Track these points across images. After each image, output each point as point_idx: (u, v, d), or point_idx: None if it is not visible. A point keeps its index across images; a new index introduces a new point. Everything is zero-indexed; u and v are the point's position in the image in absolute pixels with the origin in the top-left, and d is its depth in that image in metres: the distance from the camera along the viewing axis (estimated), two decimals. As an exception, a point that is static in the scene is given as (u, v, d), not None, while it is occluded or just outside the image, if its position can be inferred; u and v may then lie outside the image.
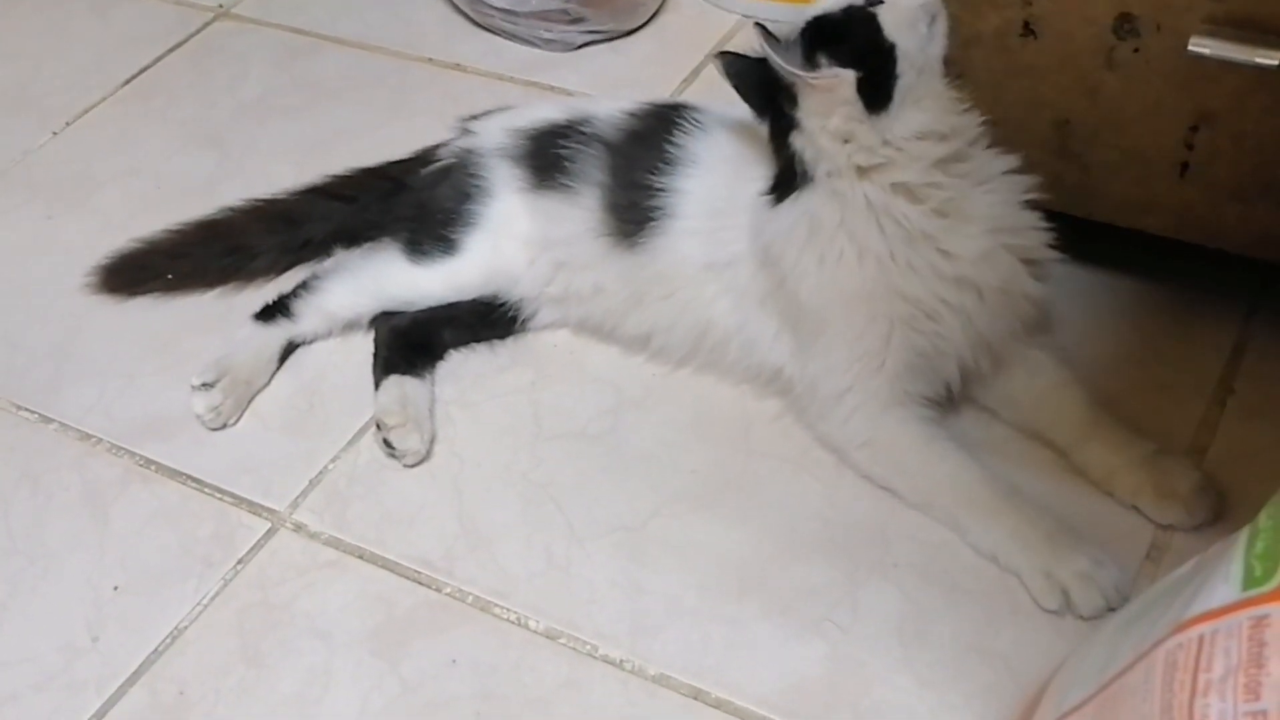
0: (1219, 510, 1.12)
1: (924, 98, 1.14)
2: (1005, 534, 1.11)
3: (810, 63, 1.13)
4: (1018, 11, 1.19)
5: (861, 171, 1.14)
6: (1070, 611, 1.07)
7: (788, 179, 1.18)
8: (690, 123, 1.28)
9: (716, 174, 1.25)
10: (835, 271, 1.16)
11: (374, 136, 1.65)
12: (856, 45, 1.12)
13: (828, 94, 1.12)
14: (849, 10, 1.14)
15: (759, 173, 1.22)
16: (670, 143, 1.27)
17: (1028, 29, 1.20)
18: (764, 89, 1.17)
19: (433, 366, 1.34)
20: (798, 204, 1.17)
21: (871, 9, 1.13)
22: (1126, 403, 1.20)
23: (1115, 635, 0.84)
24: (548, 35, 1.77)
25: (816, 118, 1.14)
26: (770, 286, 1.21)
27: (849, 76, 1.12)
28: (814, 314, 1.18)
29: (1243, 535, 0.71)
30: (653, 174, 1.26)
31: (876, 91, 1.13)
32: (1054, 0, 1.17)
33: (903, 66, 1.12)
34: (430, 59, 1.82)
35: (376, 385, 1.31)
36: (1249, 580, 0.67)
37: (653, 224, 1.26)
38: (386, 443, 1.26)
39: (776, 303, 1.21)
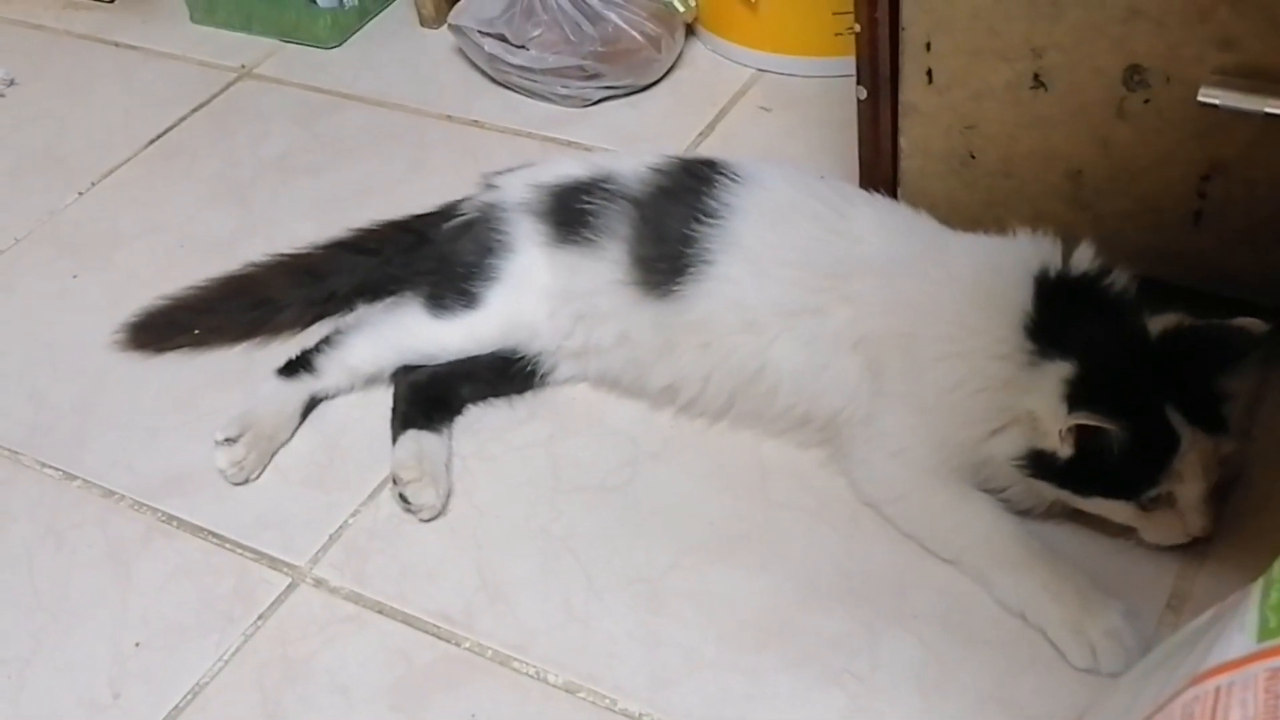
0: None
1: None
2: (1037, 588, 1.11)
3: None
4: (1028, 64, 1.20)
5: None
6: (1095, 668, 1.06)
7: (1049, 334, 1.13)
8: (728, 176, 1.29)
9: (791, 226, 1.26)
10: (952, 376, 1.16)
11: (394, 193, 1.67)
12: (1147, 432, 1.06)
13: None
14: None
15: (860, 232, 1.25)
16: (708, 195, 1.28)
17: (1038, 81, 1.21)
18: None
19: (450, 421, 1.35)
20: (1011, 339, 1.14)
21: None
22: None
23: (1135, 686, 0.84)
24: (564, 91, 1.79)
25: (1037, 397, 1.11)
26: (892, 330, 1.20)
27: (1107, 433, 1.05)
28: (921, 383, 1.18)
29: (1257, 586, 0.71)
30: (691, 224, 1.27)
31: (1097, 476, 1.09)
32: (1064, 53, 1.18)
33: (1157, 490, 1.08)
34: (449, 116, 1.84)
35: (394, 440, 1.31)
36: (1264, 631, 0.67)
37: (691, 272, 1.26)
38: (402, 497, 1.27)
39: (888, 348, 1.20)
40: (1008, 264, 1.18)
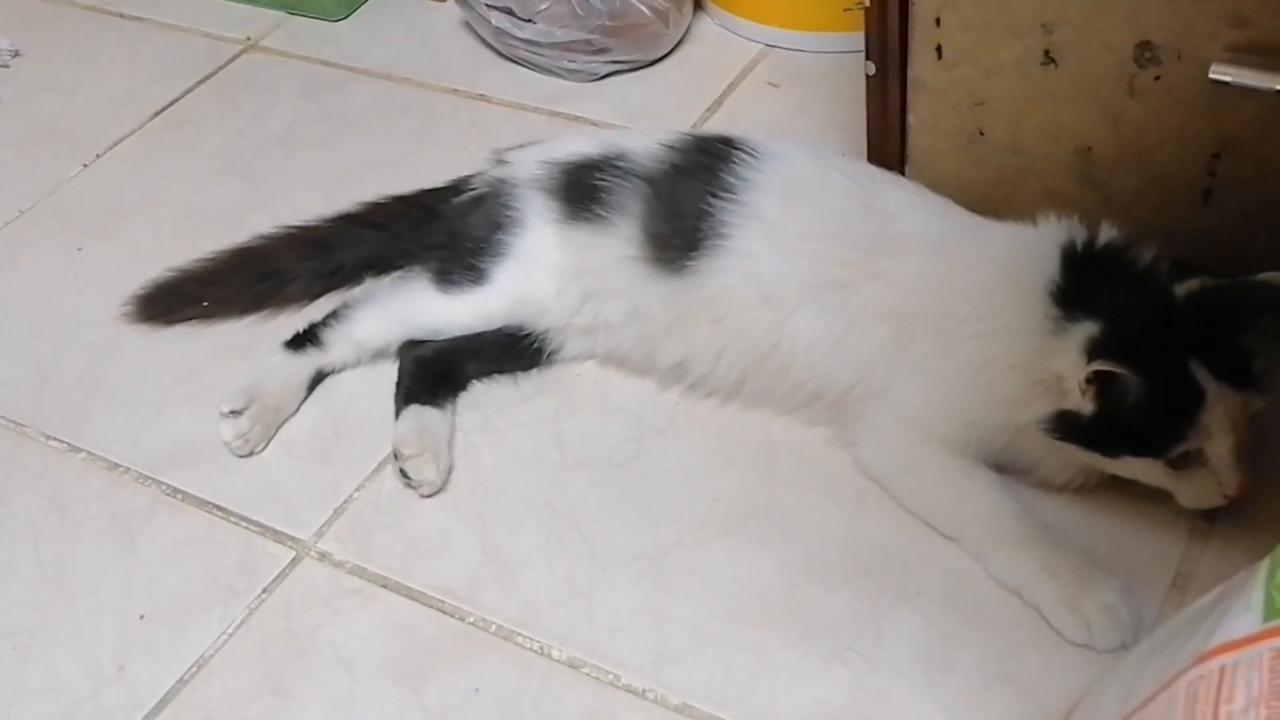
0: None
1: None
2: (1033, 565, 1.11)
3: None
4: (1038, 40, 1.19)
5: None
6: (1090, 643, 1.07)
7: (1076, 299, 1.13)
8: (745, 152, 1.29)
9: (821, 200, 1.26)
10: (983, 354, 1.16)
11: (400, 167, 1.66)
12: (1169, 384, 1.06)
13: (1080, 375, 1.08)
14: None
15: (894, 209, 1.24)
16: (725, 171, 1.27)
17: (1048, 57, 1.20)
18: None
19: (454, 397, 1.34)
20: (1040, 318, 1.14)
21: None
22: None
23: (1139, 664, 0.84)
24: (572, 66, 1.79)
25: (1062, 358, 1.11)
26: (925, 308, 1.20)
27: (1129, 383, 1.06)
28: (952, 360, 1.17)
29: (1263, 565, 0.71)
30: (707, 200, 1.26)
31: (1122, 433, 1.09)
32: (1074, 28, 1.17)
33: (1185, 446, 1.07)
34: (456, 90, 1.83)
35: (397, 414, 1.31)
36: (1269, 611, 0.67)
37: (706, 247, 1.26)
38: (403, 472, 1.27)
39: (918, 325, 1.20)
40: (1037, 243, 1.18)
